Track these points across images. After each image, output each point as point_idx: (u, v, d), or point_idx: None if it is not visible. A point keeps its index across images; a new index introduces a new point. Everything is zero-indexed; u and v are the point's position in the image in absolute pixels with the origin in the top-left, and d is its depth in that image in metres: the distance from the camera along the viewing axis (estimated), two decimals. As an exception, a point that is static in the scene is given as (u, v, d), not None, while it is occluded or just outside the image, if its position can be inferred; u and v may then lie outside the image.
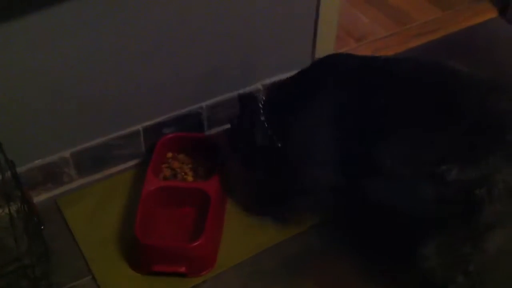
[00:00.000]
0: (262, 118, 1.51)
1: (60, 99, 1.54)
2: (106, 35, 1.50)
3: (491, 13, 2.35)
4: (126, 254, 1.51)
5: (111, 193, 1.67)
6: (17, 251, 1.47)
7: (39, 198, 1.65)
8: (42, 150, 1.60)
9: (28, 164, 1.59)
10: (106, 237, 1.55)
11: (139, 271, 1.47)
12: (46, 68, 1.47)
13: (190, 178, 1.68)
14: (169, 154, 1.74)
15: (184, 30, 1.62)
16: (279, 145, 1.49)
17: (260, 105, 1.52)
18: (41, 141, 1.58)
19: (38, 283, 1.35)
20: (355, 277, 1.46)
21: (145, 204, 1.53)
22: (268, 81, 1.92)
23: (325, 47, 1.98)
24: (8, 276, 1.41)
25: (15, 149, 1.43)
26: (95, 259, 1.50)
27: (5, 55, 1.39)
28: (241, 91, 1.84)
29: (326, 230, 1.58)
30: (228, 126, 1.72)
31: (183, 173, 1.69)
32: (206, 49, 1.70)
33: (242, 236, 1.57)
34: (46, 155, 1.61)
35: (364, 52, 2.24)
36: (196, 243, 1.43)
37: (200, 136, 1.81)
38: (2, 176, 1.39)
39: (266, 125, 1.50)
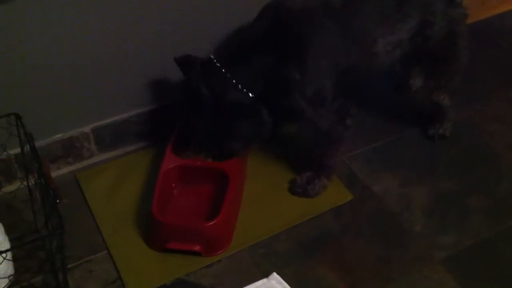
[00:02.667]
0: (228, 75, 1.44)
1: (82, 74, 1.55)
2: (131, 10, 1.51)
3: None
4: (142, 230, 1.51)
5: (130, 170, 1.68)
6: (35, 223, 1.50)
7: (60, 172, 1.67)
8: (63, 125, 1.62)
9: (49, 138, 1.61)
10: (123, 213, 1.56)
11: (154, 247, 1.47)
12: (69, 41, 1.47)
13: (209, 158, 1.67)
14: None
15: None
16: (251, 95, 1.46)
17: (215, 61, 1.45)
18: (63, 115, 1.60)
19: (54, 255, 1.37)
20: (370, 263, 1.45)
21: (163, 182, 1.53)
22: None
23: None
24: (26, 247, 1.43)
25: (37, 123, 1.45)
26: (111, 234, 1.51)
27: (26, 24, 1.40)
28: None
29: (342, 214, 1.57)
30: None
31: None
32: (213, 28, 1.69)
33: (258, 218, 1.56)
34: (67, 130, 1.63)
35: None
36: (211, 223, 1.43)
37: None
38: (21, 149, 1.41)
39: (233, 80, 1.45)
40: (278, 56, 1.43)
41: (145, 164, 1.69)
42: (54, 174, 1.64)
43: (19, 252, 1.42)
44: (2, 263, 1.21)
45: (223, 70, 1.44)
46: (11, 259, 1.33)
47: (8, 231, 1.37)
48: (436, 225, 1.54)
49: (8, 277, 1.30)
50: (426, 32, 1.55)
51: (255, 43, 1.46)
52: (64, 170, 1.67)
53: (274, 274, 1.39)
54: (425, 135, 1.79)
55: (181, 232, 1.45)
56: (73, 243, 1.46)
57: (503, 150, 1.75)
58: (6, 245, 1.33)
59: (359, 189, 1.64)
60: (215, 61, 1.45)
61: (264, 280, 1.38)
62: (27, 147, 1.38)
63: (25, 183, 1.47)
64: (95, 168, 1.69)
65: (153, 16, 1.55)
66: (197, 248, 1.44)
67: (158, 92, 1.70)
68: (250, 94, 1.46)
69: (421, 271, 1.43)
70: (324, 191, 1.61)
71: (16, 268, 1.37)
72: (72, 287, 1.38)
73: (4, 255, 1.16)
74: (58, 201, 1.42)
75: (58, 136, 1.62)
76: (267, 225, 1.53)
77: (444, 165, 1.72)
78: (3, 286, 1.31)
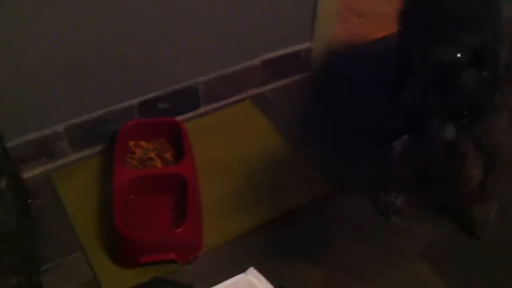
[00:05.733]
0: None
1: (53, 71, 1.52)
2: (103, 7, 1.48)
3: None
4: (111, 250, 1.47)
5: (105, 169, 1.66)
6: (6, 225, 1.47)
7: (33, 172, 1.64)
8: (36, 124, 1.59)
9: (22, 138, 1.58)
10: (98, 213, 1.54)
11: (128, 265, 1.42)
12: (40, 38, 1.45)
13: (159, 164, 1.65)
14: (131, 143, 1.69)
15: (181, 4, 1.59)
16: None
17: None
18: (35, 114, 1.57)
19: (27, 257, 1.35)
20: (346, 255, 1.45)
21: (119, 197, 1.48)
22: (267, 57, 1.89)
23: (325, 23, 1.95)
24: (-2, 249, 1.40)
25: (8, 122, 1.42)
26: (86, 234, 1.49)
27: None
28: (237, 66, 1.83)
29: (318, 208, 1.57)
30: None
31: (150, 160, 1.65)
32: (204, 24, 1.68)
33: (224, 218, 1.54)
34: (40, 129, 1.60)
35: (367, 28, 2.21)
36: (181, 228, 1.40)
37: (160, 120, 1.74)
38: (-9, 149, 1.38)
39: None
40: None
41: (120, 163, 1.67)
42: (27, 174, 1.61)
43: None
44: (-27, 265, 1.19)
45: None
46: (-17, 261, 1.31)
47: (-21, 234, 1.34)
48: (411, 217, 1.54)
49: (-20, 280, 1.28)
50: None
51: None
52: (38, 170, 1.65)
53: (252, 268, 1.38)
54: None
55: (152, 244, 1.42)
56: (48, 244, 1.45)
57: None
58: (-23, 247, 1.31)
59: (335, 182, 1.64)
60: None
61: (242, 275, 1.37)
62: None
63: (-4, 184, 1.44)
64: (70, 167, 1.67)
65: (119, 13, 1.53)
66: (171, 256, 1.42)
67: (131, 91, 1.68)
68: None
69: (397, 263, 1.43)
70: (299, 185, 1.61)
71: (-12, 271, 1.35)
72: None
73: (-26, 257, 1.14)
74: (30, 201, 1.40)
75: (31, 136, 1.59)
76: (241, 222, 1.53)
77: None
78: (-25, 289, 1.29)
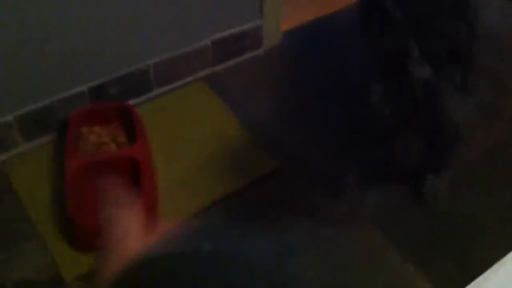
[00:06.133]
0: None
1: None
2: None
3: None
4: (64, 234, 1.47)
5: (58, 156, 1.65)
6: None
7: (-15, 163, 1.63)
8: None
9: (-29, 130, 1.57)
10: (53, 200, 1.54)
11: (84, 250, 1.43)
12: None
13: (113, 148, 1.65)
14: (84, 129, 1.68)
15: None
16: None
17: None
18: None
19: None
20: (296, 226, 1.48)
21: (72, 184, 1.48)
22: (218, 36, 1.90)
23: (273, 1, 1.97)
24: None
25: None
26: (42, 222, 1.49)
27: None
28: (188, 47, 1.83)
29: (268, 183, 1.60)
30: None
31: (105, 145, 1.65)
32: (151, 4, 1.68)
33: (179, 198, 1.56)
34: (-12, 120, 1.59)
35: (315, 6, 2.23)
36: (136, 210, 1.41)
37: (112, 105, 1.74)
38: None
39: None
40: None
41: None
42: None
43: None
44: None
45: None
46: None
47: None
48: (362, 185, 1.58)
49: None
50: None
51: None
52: (-11, 161, 1.64)
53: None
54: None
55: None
56: (3, 233, 1.45)
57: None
58: None
59: (284, 158, 1.67)
60: None
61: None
62: None
63: None
64: (22, 157, 1.66)
65: None
66: None
67: (82, 75, 1.68)
68: None
69: (350, 230, 1.46)
70: (250, 162, 1.64)
71: None
72: (5, 276, 1.36)
73: None
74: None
75: (-20, 127, 1.58)
76: (195, 201, 1.54)
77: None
78: None
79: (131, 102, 1.79)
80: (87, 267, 1.39)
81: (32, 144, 1.68)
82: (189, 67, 1.90)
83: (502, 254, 0.87)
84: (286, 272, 0.63)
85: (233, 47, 1.97)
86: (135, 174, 1.51)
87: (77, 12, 1.56)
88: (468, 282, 0.84)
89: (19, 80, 1.57)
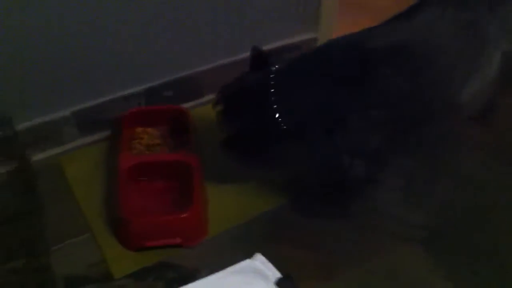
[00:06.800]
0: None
1: (62, 56, 1.54)
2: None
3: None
4: (115, 232, 1.50)
5: (111, 154, 1.68)
6: (14, 207, 1.49)
7: (41, 155, 1.66)
8: (44, 108, 1.61)
9: (30, 122, 1.60)
10: (105, 196, 1.57)
11: (131, 248, 1.45)
12: (50, 21, 1.46)
13: (165, 151, 1.68)
14: (139, 129, 1.72)
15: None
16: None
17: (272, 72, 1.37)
18: (43, 98, 1.59)
19: (34, 238, 1.38)
20: (346, 245, 1.48)
21: (125, 182, 1.51)
22: (271, 46, 1.91)
23: (329, 13, 1.98)
24: (6, 230, 1.43)
25: (17, 106, 1.44)
26: (93, 217, 1.52)
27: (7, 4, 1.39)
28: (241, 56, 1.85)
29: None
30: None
31: (157, 146, 1.68)
32: (209, 13, 1.70)
33: (228, 204, 1.57)
34: (48, 113, 1.62)
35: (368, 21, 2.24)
36: (187, 213, 1.43)
37: (165, 107, 1.77)
38: (1, 132, 1.40)
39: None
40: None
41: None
42: (35, 158, 1.64)
43: None
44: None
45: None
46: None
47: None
48: (409, 205, 1.58)
49: (-10, 259, 1.31)
50: None
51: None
52: (45, 154, 1.67)
53: (259, 254, 1.41)
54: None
55: (158, 229, 1.45)
56: (55, 226, 1.47)
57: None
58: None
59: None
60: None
61: (248, 260, 1.40)
62: (5, 131, 1.37)
63: (4, 166, 1.46)
64: (77, 152, 1.69)
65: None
66: (177, 241, 1.44)
67: (139, 76, 1.71)
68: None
69: (396, 251, 1.46)
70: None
71: (-3, 253, 1.38)
72: (55, 269, 1.38)
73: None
74: (37, 184, 1.42)
75: (39, 119, 1.62)
76: (245, 208, 1.56)
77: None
78: (-15, 269, 1.32)
79: (183, 105, 1.81)
80: (136, 265, 1.42)
81: (87, 139, 1.72)
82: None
83: None
84: None
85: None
86: (185, 178, 1.54)
87: (140, 17, 1.58)
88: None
89: (79, 78, 1.61)
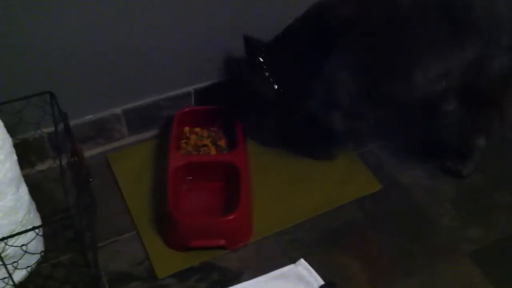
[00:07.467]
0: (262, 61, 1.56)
1: (116, 56, 1.55)
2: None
3: None
4: (162, 232, 1.50)
5: (159, 153, 1.69)
6: (65, 202, 1.52)
7: (90, 152, 1.69)
8: (95, 106, 1.63)
9: (81, 118, 1.63)
10: (151, 195, 1.58)
11: (177, 248, 1.45)
12: (105, 24, 1.48)
13: (213, 152, 1.67)
14: (186, 129, 1.72)
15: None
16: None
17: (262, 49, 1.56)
18: (95, 96, 1.61)
19: (83, 234, 1.39)
20: (394, 254, 1.45)
21: (173, 181, 1.51)
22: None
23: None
24: (54, 225, 1.45)
25: (69, 103, 1.46)
26: (140, 215, 1.52)
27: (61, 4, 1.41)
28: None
29: (369, 204, 1.57)
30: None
31: (205, 147, 1.68)
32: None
33: (274, 208, 1.56)
34: (99, 111, 1.65)
35: None
36: (233, 215, 1.42)
37: (215, 108, 1.75)
38: (55, 127, 1.42)
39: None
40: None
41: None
42: (85, 154, 1.65)
43: (48, 231, 1.43)
44: (34, 239, 1.23)
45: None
46: (42, 235, 1.35)
47: (38, 209, 1.39)
48: (463, 219, 1.54)
49: (40, 253, 1.33)
50: (484, 66, 1.41)
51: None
52: (94, 151, 1.69)
53: (302, 260, 1.39)
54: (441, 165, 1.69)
55: (204, 229, 1.44)
56: (102, 223, 1.49)
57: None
58: (37, 222, 1.36)
59: (386, 179, 1.64)
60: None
61: (292, 266, 1.39)
62: (60, 126, 1.39)
63: (57, 162, 1.49)
64: (126, 149, 1.71)
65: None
66: (222, 242, 1.44)
67: (187, 78, 1.71)
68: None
69: (446, 264, 1.42)
70: (352, 180, 1.62)
71: (45, 246, 1.39)
72: (101, 266, 1.40)
73: (37, 231, 1.19)
74: (90, 180, 1.44)
75: (90, 116, 1.64)
76: (290, 214, 1.54)
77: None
78: (34, 262, 1.34)
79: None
80: (179, 265, 1.42)
81: (136, 138, 1.74)
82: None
83: None
84: None
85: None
86: (232, 179, 1.53)
87: (193, 18, 1.59)
88: None
89: (131, 77, 1.62)
